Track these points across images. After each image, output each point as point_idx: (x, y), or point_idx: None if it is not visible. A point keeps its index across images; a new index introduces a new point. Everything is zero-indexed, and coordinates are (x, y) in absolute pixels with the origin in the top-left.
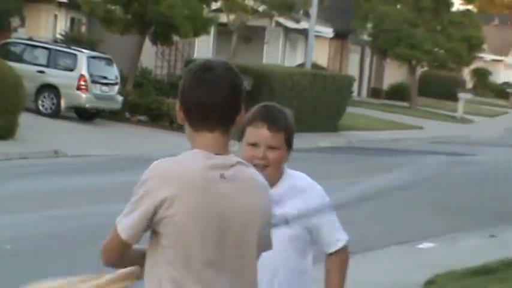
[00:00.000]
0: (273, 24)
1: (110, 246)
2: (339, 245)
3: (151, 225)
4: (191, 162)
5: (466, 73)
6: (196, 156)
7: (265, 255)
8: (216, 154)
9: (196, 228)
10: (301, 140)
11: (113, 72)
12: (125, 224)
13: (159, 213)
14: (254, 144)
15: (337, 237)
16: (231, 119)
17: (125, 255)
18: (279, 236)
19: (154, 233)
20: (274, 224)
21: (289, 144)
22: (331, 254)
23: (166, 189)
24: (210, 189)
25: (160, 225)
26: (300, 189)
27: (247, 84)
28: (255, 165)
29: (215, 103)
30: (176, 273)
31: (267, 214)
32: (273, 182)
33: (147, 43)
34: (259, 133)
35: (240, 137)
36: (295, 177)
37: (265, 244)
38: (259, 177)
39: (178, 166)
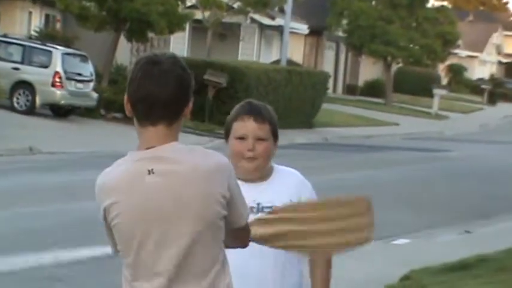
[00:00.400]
0: (248, 20)
1: None
2: None
3: None
4: (121, 166)
5: (441, 69)
6: (127, 158)
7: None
8: (153, 148)
9: (135, 228)
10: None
11: (87, 69)
12: (108, 240)
13: (108, 222)
14: (242, 138)
15: None
16: (176, 113)
17: None
18: None
19: None
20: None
21: (275, 136)
22: None
23: (105, 199)
24: (139, 188)
25: (114, 232)
26: (292, 185)
27: (222, 81)
28: (244, 159)
29: (160, 97)
30: (128, 274)
31: (217, 199)
32: (263, 174)
33: (122, 40)
34: (247, 126)
35: (226, 136)
36: (286, 173)
37: (222, 229)
38: (206, 162)
39: (111, 174)
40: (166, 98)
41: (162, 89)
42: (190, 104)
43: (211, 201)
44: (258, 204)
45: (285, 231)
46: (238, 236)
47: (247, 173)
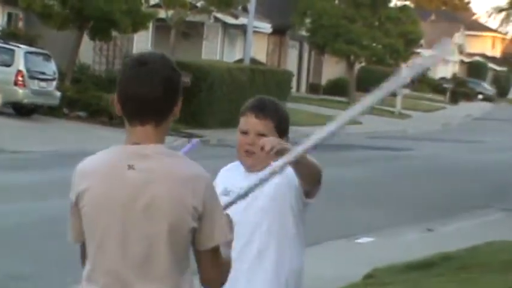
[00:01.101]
0: (212, 19)
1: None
2: None
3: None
4: (104, 155)
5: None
6: (111, 150)
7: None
8: (138, 144)
9: (102, 218)
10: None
11: (51, 68)
12: (69, 228)
13: (78, 206)
14: (245, 132)
15: None
16: (164, 112)
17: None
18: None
19: None
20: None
21: (280, 132)
22: None
23: (82, 183)
24: (116, 180)
25: (82, 219)
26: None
27: (186, 79)
28: (245, 151)
29: (149, 97)
30: (89, 265)
31: (187, 207)
32: (261, 168)
33: (86, 38)
34: (248, 121)
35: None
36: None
37: (187, 240)
38: (183, 169)
39: (93, 161)
40: (154, 98)
41: (150, 89)
42: (179, 104)
43: (181, 208)
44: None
45: None
46: (203, 263)
47: (247, 168)
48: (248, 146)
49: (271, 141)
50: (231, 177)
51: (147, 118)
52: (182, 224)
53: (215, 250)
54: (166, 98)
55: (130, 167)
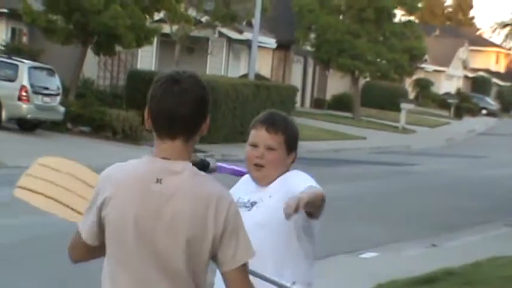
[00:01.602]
0: (216, 34)
1: (74, 245)
2: None
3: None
4: (134, 165)
5: (408, 83)
6: (142, 161)
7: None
8: (168, 159)
9: (124, 227)
10: (244, 151)
11: (54, 83)
12: (83, 223)
13: (102, 212)
14: (254, 145)
15: None
16: (194, 129)
17: (91, 253)
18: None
19: None
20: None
21: (289, 147)
22: None
23: (108, 189)
24: (142, 193)
25: (104, 224)
26: (284, 177)
27: None
28: (254, 165)
29: (180, 114)
30: (111, 270)
31: (207, 226)
32: (269, 181)
33: (90, 53)
34: (259, 134)
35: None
36: (285, 175)
37: (203, 259)
38: (208, 188)
39: (121, 169)
40: (185, 115)
41: (182, 107)
42: (208, 121)
43: (201, 226)
44: (248, 200)
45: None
46: (230, 284)
47: (256, 180)
48: (257, 159)
49: (291, 205)
50: (244, 188)
51: (178, 134)
52: (200, 241)
53: (241, 270)
54: (196, 116)
55: (158, 180)
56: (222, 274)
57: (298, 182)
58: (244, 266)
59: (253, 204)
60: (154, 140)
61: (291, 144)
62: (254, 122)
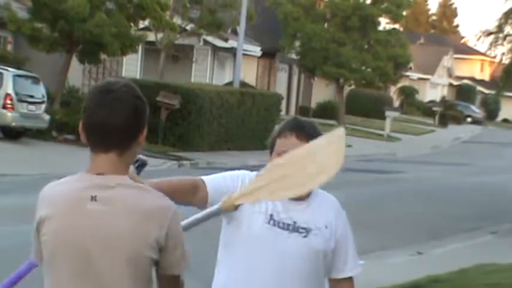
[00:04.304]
0: (201, 42)
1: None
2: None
3: None
4: (68, 183)
5: (393, 91)
6: (76, 178)
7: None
8: (102, 175)
9: (60, 248)
10: (230, 159)
11: (39, 91)
12: (33, 248)
13: (39, 232)
14: (283, 153)
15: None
16: (129, 141)
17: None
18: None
19: None
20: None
21: None
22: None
23: (43, 209)
24: (76, 211)
25: (42, 247)
26: (330, 210)
27: (176, 102)
28: None
29: (112, 125)
30: None
31: (148, 241)
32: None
33: (75, 61)
34: (288, 142)
35: (271, 152)
36: (325, 197)
37: (148, 270)
38: (146, 201)
39: (56, 188)
40: (119, 126)
41: (115, 117)
42: (145, 132)
43: (142, 242)
44: (295, 222)
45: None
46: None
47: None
48: None
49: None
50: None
51: (111, 146)
52: (142, 257)
53: (176, 277)
54: (131, 126)
55: (93, 198)
56: (159, 276)
57: (347, 247)
58: (179, 275)
59: (308, 230)
60: (90, 154)
61: None
62: (281, 130)
